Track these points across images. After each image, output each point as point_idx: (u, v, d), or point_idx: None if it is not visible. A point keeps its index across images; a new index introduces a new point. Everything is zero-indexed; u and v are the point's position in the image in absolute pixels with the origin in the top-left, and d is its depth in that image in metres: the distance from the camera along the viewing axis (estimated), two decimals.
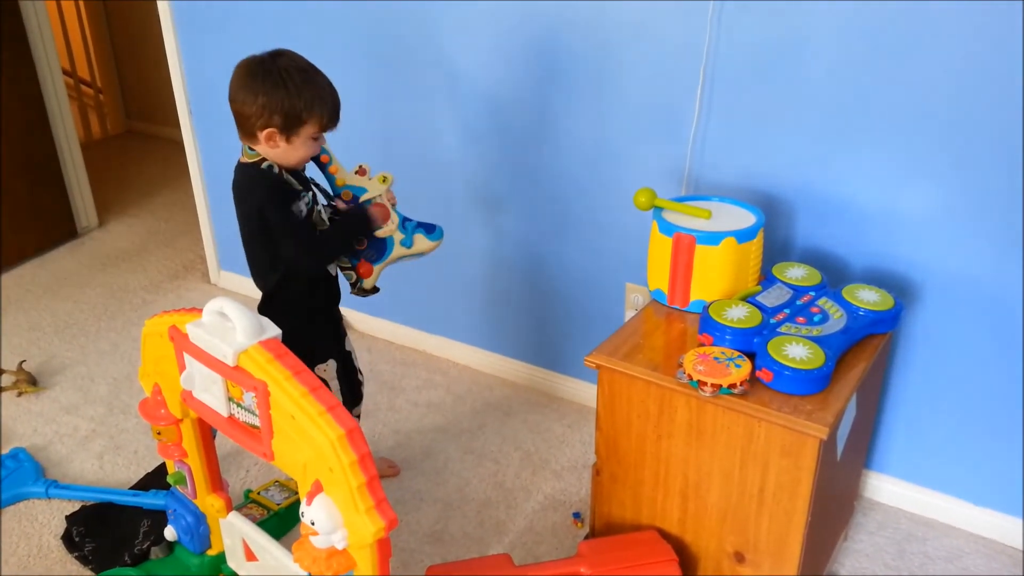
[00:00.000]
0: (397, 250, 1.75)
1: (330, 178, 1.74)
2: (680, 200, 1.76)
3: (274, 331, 1.35)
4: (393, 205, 1.75)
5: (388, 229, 1.73)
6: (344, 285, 1.81)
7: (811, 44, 1.71)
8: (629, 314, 2.14)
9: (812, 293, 1.65)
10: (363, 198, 1.73)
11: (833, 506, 1.69)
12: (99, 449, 2.20)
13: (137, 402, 2.27)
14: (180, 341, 1.40)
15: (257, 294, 1.76)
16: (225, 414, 1.39)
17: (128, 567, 1.78)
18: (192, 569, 1.72)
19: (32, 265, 3.12)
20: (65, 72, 3.45)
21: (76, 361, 2.56)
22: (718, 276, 1.64)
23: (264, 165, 1.62)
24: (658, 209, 1.72)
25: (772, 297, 1.63)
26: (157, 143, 4.25)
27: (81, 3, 4.06)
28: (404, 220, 1.76)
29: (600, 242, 2.14)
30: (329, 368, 1.77)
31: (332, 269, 1.77)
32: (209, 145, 2.76)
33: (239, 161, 1.66)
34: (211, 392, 1.40)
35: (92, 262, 3.15)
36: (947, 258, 1.75)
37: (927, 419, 1.90)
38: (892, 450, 1.97)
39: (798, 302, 1.63)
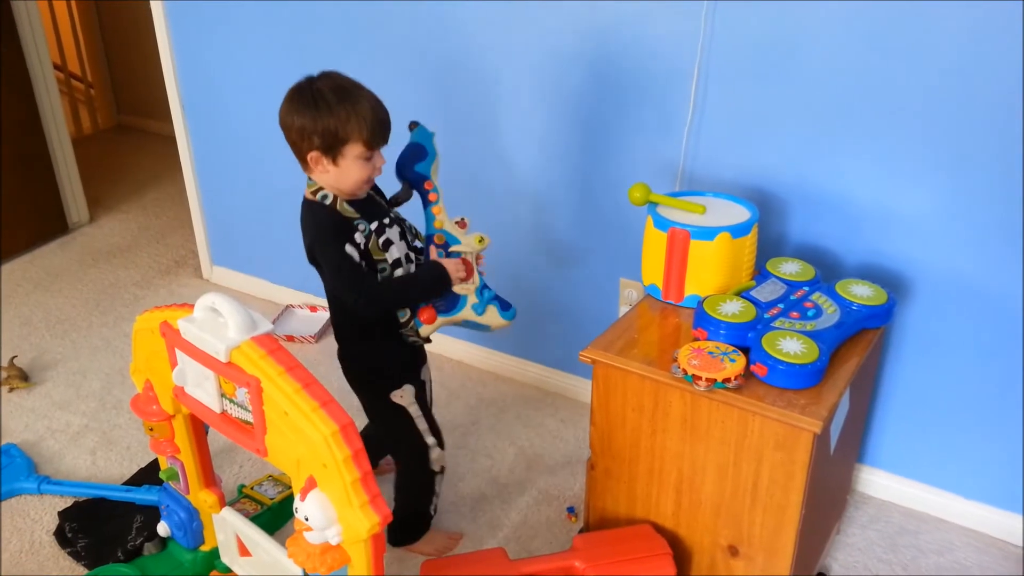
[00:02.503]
0: (466, 312, 1.69)
1: (430, 216, 1.68)
2: (674, 195, 1.76)
3: (266, 327, 1.34)
4: (479, 264, 1.71)
5: (466, 288, 1.68)
6: None
7: (806, 39, 1.71)
8: (623, 309, 2.14)
9: (806, 288, 1.66)
10: (453, 248, 1.69)
11: (826, 500, 1.70)
12: (91, 445, 2.19)
13: (129, 398, 2.25)
14: (172, 337, 1.40)
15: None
16: (218, 410, 1.38)
17: (121, 563, 1.77)
18: (185, 565, 1.71)
19: (23, 261, 3.10)
20: (56, 67, 3.42)
21: (68, 357, 2.55)
22: (712, 271, 1.64)
23: (319, 196, 1.57)
24: (652, 204, 1.72)
25: (766, 292, 1.64)
26: (148, 138, 4.23)
27: None
28: (484, 287, 1.71)
29: (594, 237, 2.14)
30: (406, 394, 1.70)
31: None
32: (202, 140, 2.74)
33: (304, 196, 1.60)
34: (203, 388, 1.39)
35: (83, 257, 3.13)
36: (940, 254, 1.75)
37: (919, 414, 1.91)
38: (884, 444, 1.98)
39: (792, 297, 1.63)
